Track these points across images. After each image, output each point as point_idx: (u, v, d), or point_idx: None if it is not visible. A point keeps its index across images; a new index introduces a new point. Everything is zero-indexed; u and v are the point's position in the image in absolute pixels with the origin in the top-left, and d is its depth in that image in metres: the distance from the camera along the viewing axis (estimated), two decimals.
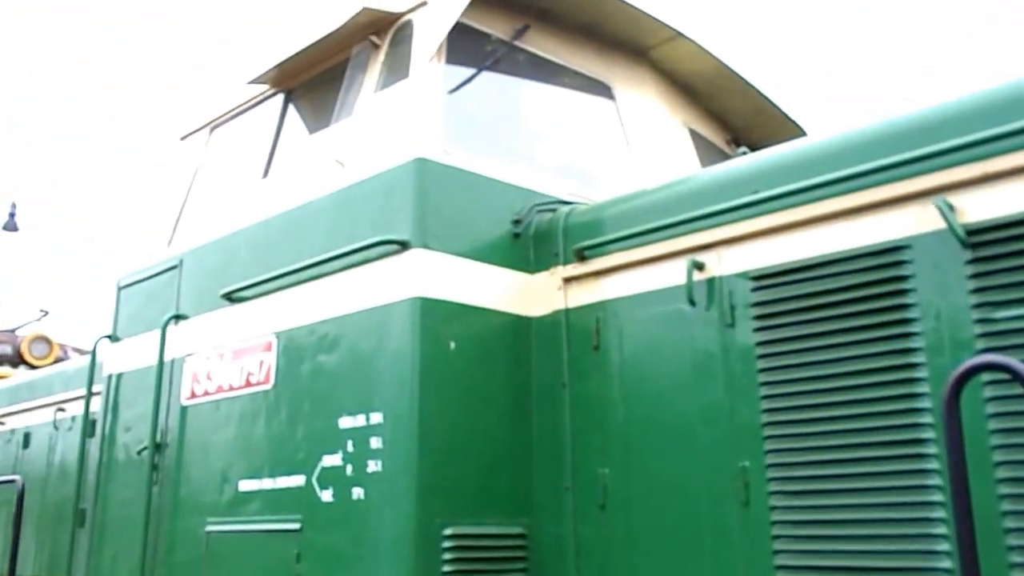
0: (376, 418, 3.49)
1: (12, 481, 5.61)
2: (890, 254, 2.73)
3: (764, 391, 2.93)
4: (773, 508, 2.85)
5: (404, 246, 3.57)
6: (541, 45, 4.41)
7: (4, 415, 7.09)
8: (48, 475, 6.41)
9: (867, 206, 2.80)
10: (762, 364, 2.95)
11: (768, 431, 2.91)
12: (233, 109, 5.05)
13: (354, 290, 3.74)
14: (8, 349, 9.47)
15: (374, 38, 4.16)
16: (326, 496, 3.60)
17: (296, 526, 3.69)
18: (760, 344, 2.97)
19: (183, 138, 5.45)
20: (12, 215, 14.61)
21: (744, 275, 3.07)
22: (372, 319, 3.63)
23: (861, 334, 2.73)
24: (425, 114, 3.76)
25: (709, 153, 4.98)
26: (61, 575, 5.71)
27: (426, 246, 3.55)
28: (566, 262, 3.68)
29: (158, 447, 4.55)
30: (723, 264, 3.15)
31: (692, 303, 3.16)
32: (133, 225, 5.60)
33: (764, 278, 3.00)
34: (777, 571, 2.81)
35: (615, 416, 3.41)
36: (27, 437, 6.75)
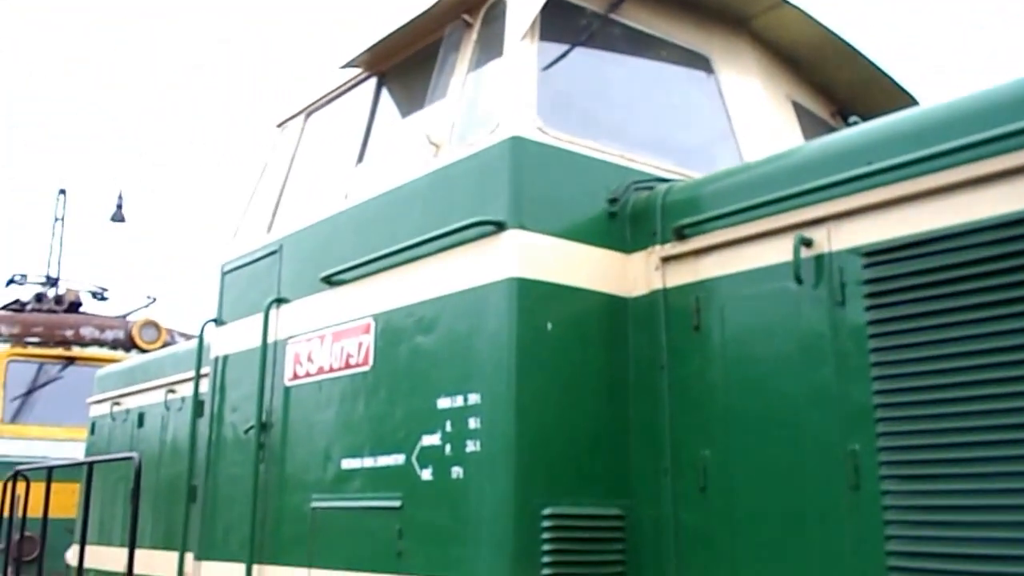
0: (474, 399, 3.50)
1: (130, 457, 5.87)
2: (1017, 226, 2.56)
3: (876, 372, 2.81)
4: (886, 492, 2.73)
5: (500, 227, 3.55)
6: (637, 17, 4.31)
7: (120, 396, 7.42)
8: (161, 453, 6.68)
9: (994, 175, 2.64)
10: (875, 344, 2.83)
11: (881, 413, 2.78)
12: (327, 94, 5.12)
13: (450, 272, 3.76)
14: (120, 334, 9.92)
15: (467, 17, 4.14)
16: (426, 475, 3.64)
17: (397, 503, 3.74)
18: (873, 323, 2.84)
19: (279, 125, 5.56)
20: (119, 206, 15.21)
21: (856, 251, 2.94)
22: (469, 300, 3.64)
23: (984, 311, 2.58)
24: (520, 93, 3.73)
25: (813, 126, 4.79)
26: (176, 547, 5.96)
27: (522, 226, 3.53)
28: (664, 241, 3.61)
29: (264, 427, 4.68)
30: (833, 240, 3.03)
31: (799, 281, 3.05)
32: (233, 214, 5.76)
33: (877, 254, 2.86)
34: (889, 557, 2.70)
35: (716, 398, 3.33)
36: (141, 417, 7.04)
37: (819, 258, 3.06)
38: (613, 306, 3.67)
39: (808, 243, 3.07)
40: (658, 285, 3.60)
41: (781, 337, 3.15)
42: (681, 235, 3.53)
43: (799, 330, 3.09)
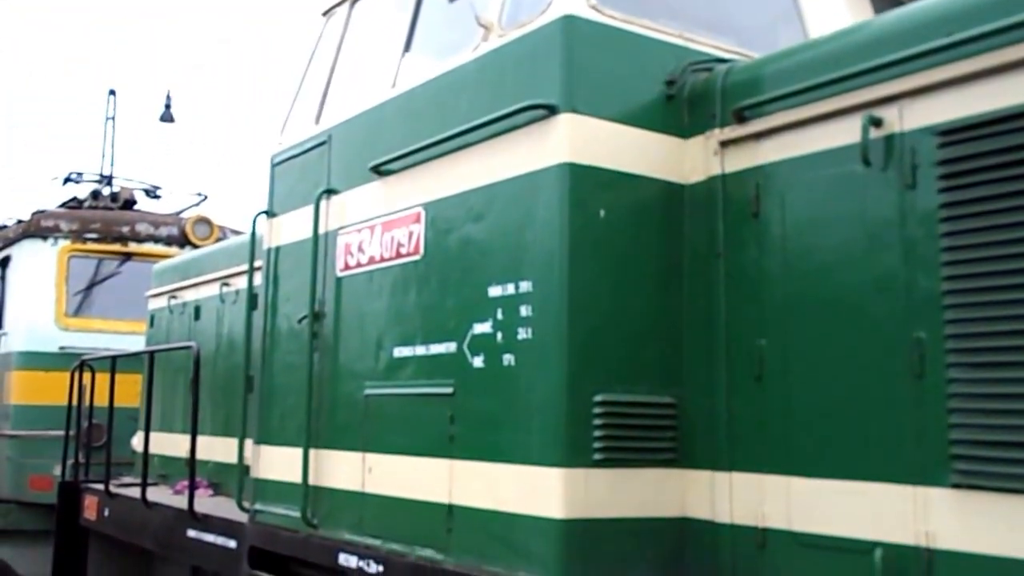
0: (525, 287, 3.47)
1: (189, 346, 6.02)
2: None
3: (947, 257, 2.69)
4: (951, 381, 2.66)
5: (552, 111, 3.44)
6: None
7: (176, 290, 7.57)
8: (218, 345, 6.85)
9: None
10: (946, 228, 2.70)
11: (949, 300, 2.68)
12: None
13: (501, 158, 3.67)
14: (174, 231, 10.05)
15: None
16: (477, 362, 3.65)
17: (449, 390, 3.77)
18: (945, 206, 2.71)
19: (325, 13, 5.42)
20: (168, 106, 15.21)
21: (930, 130, 2.78)
22: (520, 187, 3.56)
23: None
24: None
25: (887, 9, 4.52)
26: (235, 435, 6.15)
27: (575, 110, 3.42)
28: (723, 124, 3.47)
29: (317, 317, 4.72)
30: (905, 119, 2.87)
31: (867, 163, 2.91)
32: (281, 107, 5.68)
33: (954, 132, 2.71)
34: (952, 446, 2.64)
35: (774, 286, 3.24)
36: (197, 310, 7.19)
37: (889, 138, 2.91)
38: (669, 193, 3.57)
39: (878, 123, 2.92)
40: (716, 171, 3.47)
41: (845, 223, 3.03)
42: (741, 118, 3.38)
43: (864, 216, 2.97)
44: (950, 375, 2.67)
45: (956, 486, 2.62)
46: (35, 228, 9.71)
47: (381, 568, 4.03)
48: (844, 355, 2.98)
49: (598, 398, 3.31)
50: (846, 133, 3.02)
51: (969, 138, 2.67)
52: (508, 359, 3.51)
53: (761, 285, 3.27)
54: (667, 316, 3.50)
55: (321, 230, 4.76)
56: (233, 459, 5.96)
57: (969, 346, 2.63)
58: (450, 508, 3.73)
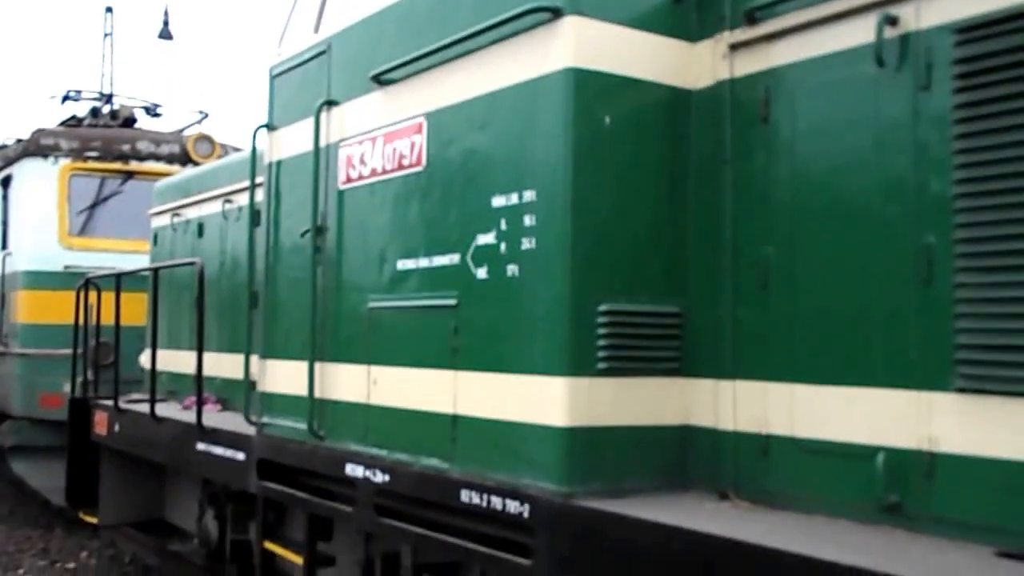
0: (529, 196, 3.42)
1: (193, 262, 6.01)
2: None
3: (960, 159, 2.63)
4: (960, 286, 2.63)
5: (556, 13, 3.34)
6: None
7: (179, 207, 7.52)
8: (222, 262, 6.83)
9: None
10: (961, 129, 2.63)
11: (961, 203, 2.63)
12: None
13: (504, 65, 3.58)
14: (176, 148, 9.95)
15: None
16: (481, 273, 3.62)
17: (453, 302, 3.75)
18: (960, 107, 2.63)
19: None
20: (166, 23, 14.93)
21: (947, 28, 2.69)
22: (523, 94, 3.48)
23: None
24: None
25: None
26: (242, 351, 6.18)
27: (580, 13, 3.31)
28: (733, 26, 3.36)
29: (319, 230, 4.69)
30: (922, 16, 2.77)
31: (880, 64, 2.82)
32: (280, 18, 5.54)
33: (972, 29, 2.61)
34: (958, 350, 2.63)
35: (782, 193, 3.19)
36: (200, 227, 7.16)
37: (904, 38, 2.81)
38: (676, 99, 3.49)
39: (893, 21, 2.82)
40: (725, 75, 3.38)
41: (856, 127, 2.96)
42: (752, 19, 3.27)
43: (876, 119, 2.89)
44: (958, 280, 2.63)
45: (961, 390, 2.62)
46: (35, 147, 9.62)
47: (387, 477, 4.08)
48: (851, 262, 2.94)
49: (602, 307, 3.29)
50: (860, 33, 2.92)
51: (988, 35, 2.58)
52: (512, 269, 3.49)
53: (768, 192, 3.22)
54: (672, 225, 3.46)
55: (322, 143, 4.69)
56: (240, 375, 6.01)
57: (979, 250, 2.59)
58: (454, 418, 3.76)
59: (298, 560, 5.19)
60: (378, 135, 4.30)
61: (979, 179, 2.59)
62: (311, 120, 4.73)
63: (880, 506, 2.78)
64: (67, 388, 8.06)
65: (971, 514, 2.60)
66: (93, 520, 7.73)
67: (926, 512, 2.70)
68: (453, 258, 3.78)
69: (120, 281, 7.05)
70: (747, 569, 2.59)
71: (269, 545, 5.51)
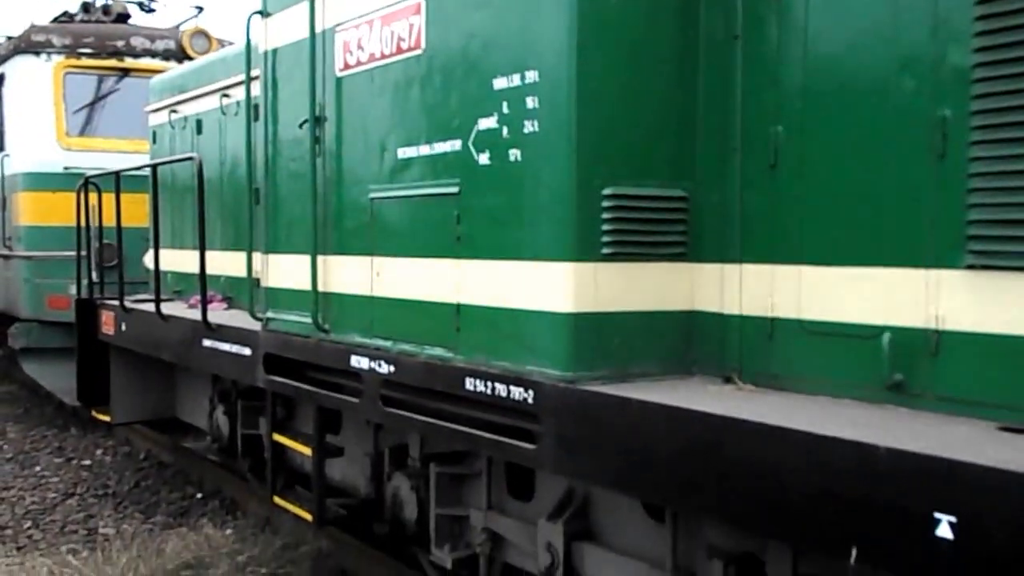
0: (532, 76, 3.31)
1: (191, 158, 5.92)
2: None
3: (980, 27, 2.52)
4: (974, 160, 2.56)
5: None
6: None
7: (176, 104, 7.38)
8: (222, 160, 6.74)
9: None
10: None
11: (979, 74, 2.54)
12: None
13: None
14: (171, 44, 9.71)
15: None
16: (483, 159, 3.55)
17: (455, 190, 3.69)
18: None
19: None
20: None
21: None
22: None
23: None
24: None
25: None
26: (244, 247, 6.16)
27: None
28: None
29: (318, 121, 4.59)
30: None
31: None
32: None
33: None
34: (970, 226, 2.57)
35: (794, 69, 3.08)
36: (199, 124, 7.03)
37: None
38: None
39: None
40: None
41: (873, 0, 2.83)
42: None
43: None
44: (973, 154, 2.56)
45: (971, 267, 2.58)
46: (26, 44, 9.39)
47: (392, 368, 4.10)
48: (864, 138, 2.86)
49: (607, 191, 3.23)
50: None
51: None
52: (515, 154, 3.41)
53: (780, 68, 3.11)
54: (680, 105, 3.36)
55: (318, 28, 4.54)
56: (245, 273, 6.01)
57: (996, 122, 2.50)
58: (458, 307, 3.74)
59: (307, 452, 5.27)
60: (375, 18, 4.16)
61: (999, 47, 2.49)
62: (306, 3, 4.58)
63: (885, 385, 2.78)
64: (73, 290, 8.08)
65: (975, 391, 2.59)
66: (106, 419, 7.86)
67: (930, 390, 2.70)
68: (454, 144, 3.70)
69: (119, 180, 6.97)
70: (751, 447, 2.60)
71: (279, 438, 5.60)
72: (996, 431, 2.44)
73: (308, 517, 5.23)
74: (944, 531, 2.14)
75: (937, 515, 2.16)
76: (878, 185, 2.82)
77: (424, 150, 3.89)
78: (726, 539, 3.28)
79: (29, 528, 6.86)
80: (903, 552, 2.24)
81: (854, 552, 2.34)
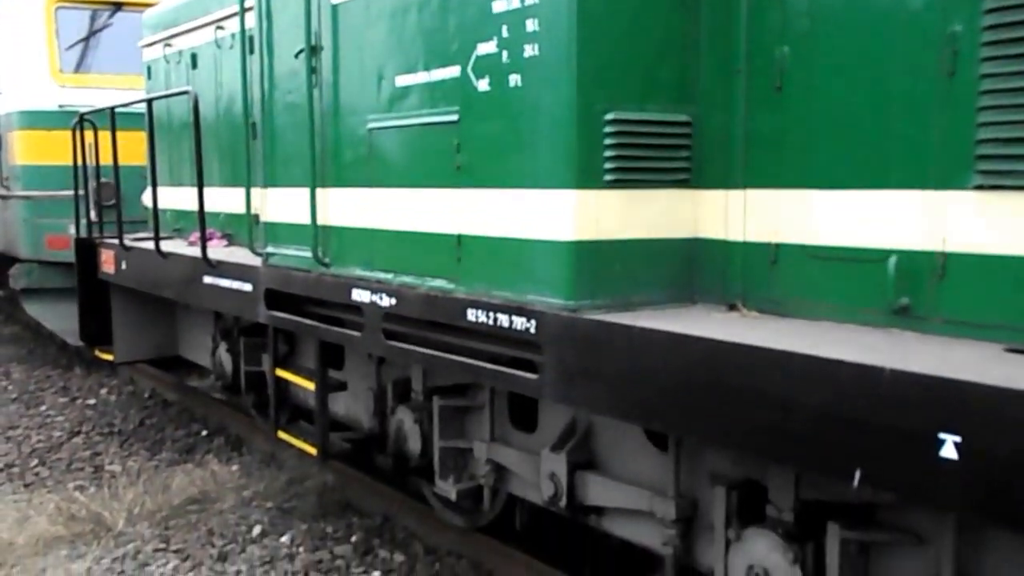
0: None
1: (186, 91, 5.82)
2: None
3: None
4: (985, 77, 2.49)
5: None
6: None
7: (170, 37, 7.24)
8: (218, 95, 6.63)
9: None
10: None
11: None
12: None
13: None
14: None
15: None
16: (482, 85, 3.48)
17: (454, 118, 3.63)
18: None
19: None
20: None
21: None
22: None
23: None
24: None
25: None
26: (242, 183, 6.10)
27: None
28: None
29: (314, 50, 4.50)
30: None
31: None
32: None
33: None
34: (979, 146, 2.52)
35: None
36: (194, 58, 6.90)
37: None
38: None
39: None
40: None
41: None
42: None
43: None
44: (984, 71, 2.50)
45: (979, 187, 2.53)
46: None
47: (393, 301, 4.08)
48: (871, 57, 2.79)
49: (609, 116, 3.17)
50: None
51: None
52: (514, 80, 3.34)
53: None
54: (683, 27, 3.28)
55: None
56: (243, 209, 5.95)
57: (1008, 37, 2.43)
58: (459, 238, 3.71)
59: (310, 386, 5.29)
60: None
61: None
62: None
63: (890, 309, 2.76)
64: (72, 229, 8.03)
65: (982, 313, 2.57)
66: (109, 358, 7.88)
67: (936, 314, 2.68)
68: (453, 71, 3.63)
69: (115, 117, 6.87)
70: (755, 372, 2.58)
71: (281, 373, 5.62)
72: (1003, 352, 2.42)
73: (312, 451, 5.27)
74: (948, 451, 2.14)
75: (942, 436, 2.15)
76: (885, 106, 2.76)
77: (422, 78, 3.81)
78: (728, 466, 3.30)
79: (36, 466, 6.94)
80: (907, 473, 2.24)
81: (858, 474, 2.34)
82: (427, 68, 3.77)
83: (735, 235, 3.23)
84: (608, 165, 3.18)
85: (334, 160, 4.47)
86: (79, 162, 7.50)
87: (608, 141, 3.17)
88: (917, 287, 2.70)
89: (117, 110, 6.90)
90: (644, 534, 3.68)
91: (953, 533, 2.59)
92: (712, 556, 3.28)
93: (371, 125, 4.15)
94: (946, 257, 2.63)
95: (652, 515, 3.54)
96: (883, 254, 2.77)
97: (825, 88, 2.92)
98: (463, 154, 3.62)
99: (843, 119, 2.88)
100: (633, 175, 3.24)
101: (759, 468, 3.15)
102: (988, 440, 2.07)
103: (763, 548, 3.05)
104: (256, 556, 5.17)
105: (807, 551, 2.95)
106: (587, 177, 3.18)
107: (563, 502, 3.92)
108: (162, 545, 5.31)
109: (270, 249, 5.10)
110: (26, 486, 6.47)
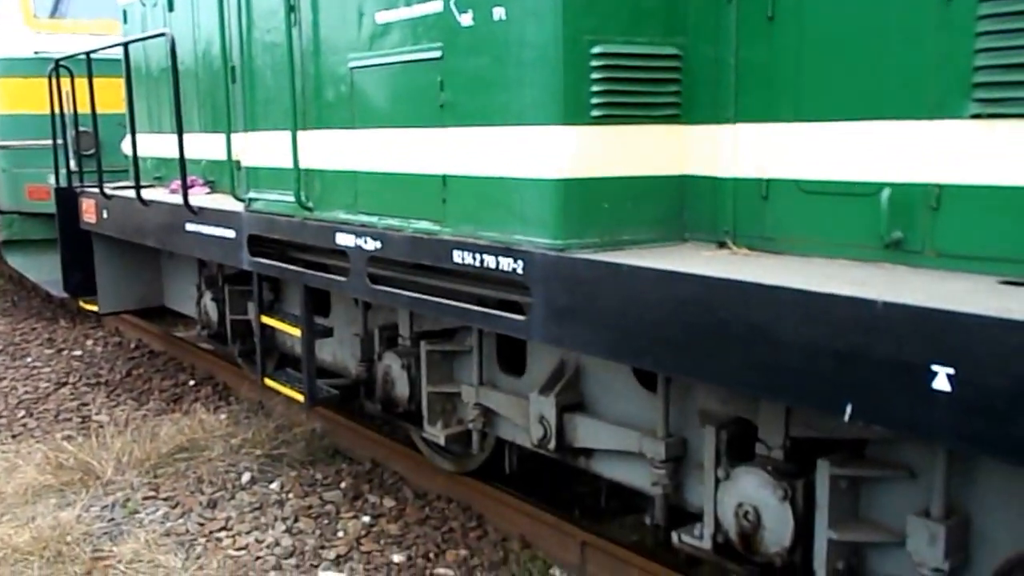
0: None
1: (163, 34, 5.67)
2: None
3: None
4: (984, 0, 2.42)
5: None
6: None
7: None
8: (197, 37, 6.45)
9: None
10: None
11: None
12: None
13: None
14: None
15: None
16: (465, 20, 3.37)
17: (437, 54, 3.53)
18: None
19: None
20: None
21: None
22: None
23: None
24: None
25: None
26: (223, 129, 5.98)
27: None
28: None
29: None
30: None
31: None
32: None
33: None
34: (976, 73, 2.46)
35: None
36: (170, 0, 6.71)
37: None
38: None
39: None
40: None
41: None
42: None
43: None
44: None
45: (976, 116, 2.47)
46: None
47: (378, 244, 4.01)
48: None
49: (596, 50, 3.08)
50: None
51: None
52: (499, 13, 3.24)
53: None
54: None
55: None
56: (225, 155, 5.84)
57: None
58: (444, 178, 3.63)
59: (296, 333, 5.24)
60: None
61: None
62: None
63: (883, 243, 2.71)
64: (52, 179, 7.89)
65: (976, 246, 2.53)
66: (93, 308, 7.79)
67: (930, 247, 2.63)
68: (435, 5, 3.52)
69: (91, 63, 6.69)
70: (746, 308, 2.54)
71: (267, 320, 5.56)
72: (997, 285, 2.39)
73: (299, 398, 5.24)
74: (941, 383, 2.11)
75: (934, 367, 2.12)
76: (880, 34, 2.68)
77: (403, 13, 3.70)
78: (718, 405, 3.27)
79: (23, 417, 6.90)
80: (898, 406, 2.21)
81: (849, 408, 2.32)
82: (408, 3, 3.65)
83: (725, 171, 3.17)
84: (595, 100, 3.10)
85: (315, 101, 4.37)
86: (56, 110, 7.33)
87: (595, 75, 3.08)
88: (911, 220, 2.65)
89: (93, 56, 6.72)
90: (634, 475, 3.68)
91: (944, 466, 2.58)
92: (702, 495, 3.27)
93: (352, 64, 4.04)
94: (941, 189, 2.57)
95: (642, 456, 3.53)
96: (876, 187, 2.71)
97: (818, 16, 2.84)
98: (447, 92, 3.52)
99: (836, 49, 2.80)
100: (621, 110, 3.16)
101: (749, 407, 3.13)
102: (981, 371, 2.04)
103: (752, 486, 3.05)
104: (246, 502, 5.17)
105: (797, 488, 2.95)
106: (574, 112, 3.10)
107: (552, 444, 3.90)
108: (151, 493, 5.30)
109: (252, 194, 5.01)
110: (13, 436, 6.44)
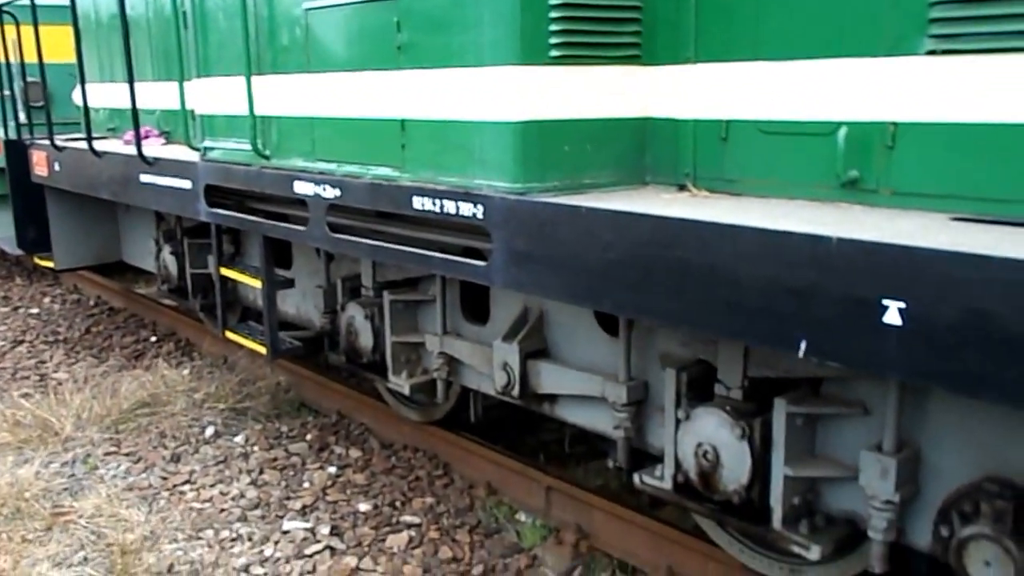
0: None
1: None
2: None
3: None
4: None
5: None
6: None
7: None
8: None
9: None
10: None
11: None
12: None
13: None
14: None
15: None
16: None
17: None
18: None
19: None
20: None
21: None
22: None
23: None
24: None
25: None
26: (176, 77, 5.83)
27: None
28: None
29: None
30: None
31: None
32: None
33: None
34: (932, 8, 2.46)
35: None
36: None
37: None
38: None
39: None
40: None
41: None
42: None
43: None
44: None
45: (931, 52, 2.47)
46: None
47: (338, 192, 3.95)
48: None
49: None
50: None
51: None
52: None
53: None
54: None
55: None
56: (179, 105, 5.69)
57: None
58: (403, 123, 3.57)
59: (257, 284, 5.18)
60: None
61: None
62: None
63: (839, 183, 2.72)
64: (1, 133, 7.67)
65: (930, 184, 2.55)
66: (49, 265, 7.65)
67: (885, 185, 2.65)
68: None
69: (36, 10, 6.47)
70: (703, 248, 2.54)
71: (227, 272, 5.49)
72: (949, 221, 2.41)
73: (262, 350, 5.20)
74: (892, 317, 2.13)
75: (886, 301, 2.14)
76: None
77: None
78: (678, 348, 3.30)
79: None
80: (851, 342, 2.24)
81: (803, 345, 2.34)
82: None
83: (685, 113, 3.15)
84: (554, 40, 3.06)
85: (270, 45, 4.26)
86: (1, 59, 7.10)
87: (554, 15, 3.03)
88: (866, 159, 2.66)
89: (39, 2, 6.50)
90: (597, 419, 3.71)
91: (895, 402, 2.62)
92: (663, 437, 3.31)
93: (306, 5, 3.94)
94: (896, 127, 2.58)
95: (604, 400, 3.56)
96: (833, 127, 2.71)
97: None
98: (403, 32, 3.45)
99: None
100: (580, 50, 3.12)
101: (708, 348, 3.16)
102: (931, 305, 2.06)
103: (711, 426, 3.08)
104: (210, 456, 5.15)
105: (754, 427, 2.99)
106: (532, 52, 3.05)
107: (516, 391, 3.92)
108: (113, 448, 5.26)
109: (208, 143, 4.91)
110: None
